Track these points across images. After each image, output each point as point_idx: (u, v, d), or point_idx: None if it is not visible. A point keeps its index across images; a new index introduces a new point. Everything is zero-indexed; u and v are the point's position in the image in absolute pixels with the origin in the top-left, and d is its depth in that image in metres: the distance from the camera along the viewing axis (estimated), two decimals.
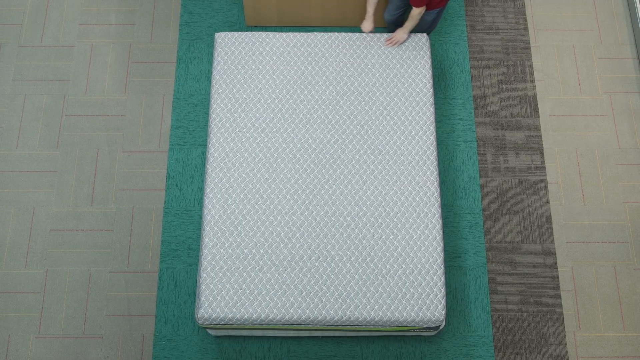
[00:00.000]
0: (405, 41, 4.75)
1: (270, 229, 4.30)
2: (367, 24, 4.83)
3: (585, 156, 5.13)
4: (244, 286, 4.19)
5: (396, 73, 4.70)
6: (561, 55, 5.43)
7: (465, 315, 4.68)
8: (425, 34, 4.84)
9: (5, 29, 5.45)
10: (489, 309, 4.69)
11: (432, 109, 4.61)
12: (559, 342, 4.63)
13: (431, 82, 4.69)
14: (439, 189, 4.43)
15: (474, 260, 4.81)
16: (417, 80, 4.69)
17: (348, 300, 4.15)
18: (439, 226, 4.33)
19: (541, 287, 4.76)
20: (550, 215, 4.94)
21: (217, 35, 4.82)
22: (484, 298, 4.72)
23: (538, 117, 5.22)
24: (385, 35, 4.82)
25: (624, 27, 5.52)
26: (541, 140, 5.16)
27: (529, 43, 5.46)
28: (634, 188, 5.04)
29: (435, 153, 4.51)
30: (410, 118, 4.58)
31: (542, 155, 5.11)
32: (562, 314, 4.70)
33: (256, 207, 4.35)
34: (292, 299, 4.15)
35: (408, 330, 4.24)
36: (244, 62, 4.72)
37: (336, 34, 4.80)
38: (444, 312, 4.16)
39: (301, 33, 4.81)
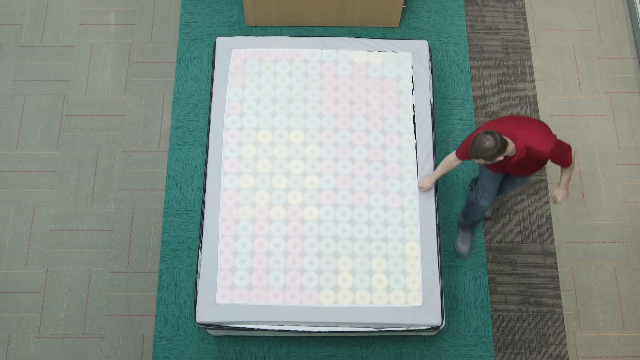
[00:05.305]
0: (429, 188, 4.31)
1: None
2: (427, 181, 4.29)
3: (585, 156, 5.13)
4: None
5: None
6: (561, 55, 5.43)
7: (465, 315, 4.68)
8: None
9: (5, 29, 5.45)
10: (489, 309, 4.69)
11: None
12: (559, 342, 4.63)
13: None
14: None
15: (474, 260, 4.81)
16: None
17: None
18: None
19: (541, 287, 4.76)
20: (550, 215, 4.94)
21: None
22: (484, 298, 4.71)
23: (538, 117, 5.22)
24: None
25: (624, 27, 5.52)
26: None
27: (529, 43, 5.45)
28: (634, 188, 5.04)
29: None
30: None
31: None
32: (562, 314, 4.70)
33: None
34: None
35: (408, 331, 4.24)
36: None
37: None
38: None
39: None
